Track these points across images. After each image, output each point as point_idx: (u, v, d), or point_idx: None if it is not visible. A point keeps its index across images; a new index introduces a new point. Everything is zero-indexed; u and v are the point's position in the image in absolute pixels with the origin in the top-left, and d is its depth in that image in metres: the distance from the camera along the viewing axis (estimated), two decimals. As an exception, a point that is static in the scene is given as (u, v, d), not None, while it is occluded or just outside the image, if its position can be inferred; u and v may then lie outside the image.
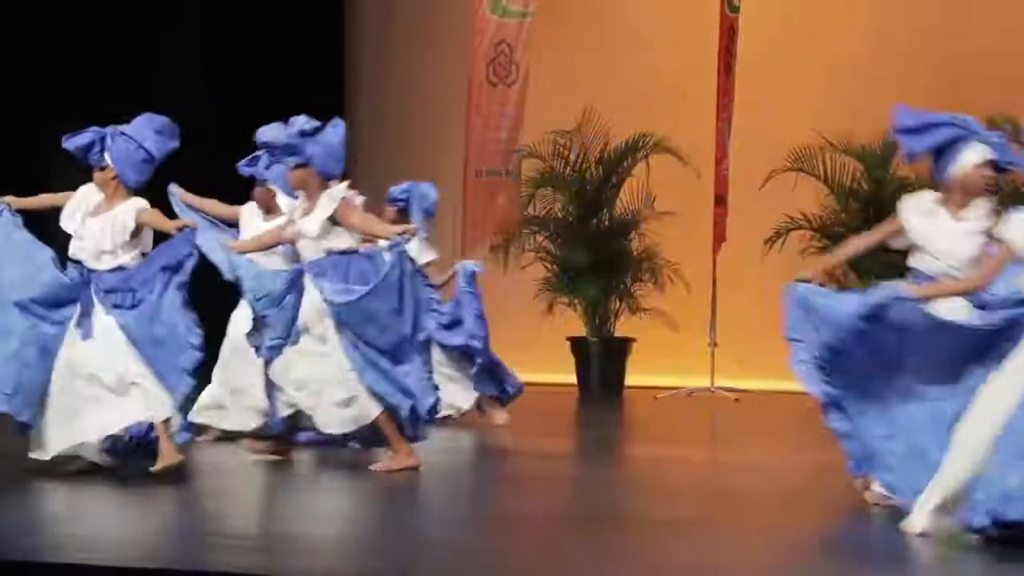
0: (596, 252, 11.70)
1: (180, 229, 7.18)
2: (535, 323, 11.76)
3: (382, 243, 7.55)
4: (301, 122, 7.48)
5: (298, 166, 7.47)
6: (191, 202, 8.30)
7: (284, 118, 7.51)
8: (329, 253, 7.41)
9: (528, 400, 9.75)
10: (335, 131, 7.51)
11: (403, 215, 9.17)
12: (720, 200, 11.69)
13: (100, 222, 7.20)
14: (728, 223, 11.70)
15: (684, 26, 12.39)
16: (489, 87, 12.09)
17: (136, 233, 7.18)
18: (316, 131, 7.46)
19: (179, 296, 7.14)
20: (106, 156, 7.23)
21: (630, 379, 11.83)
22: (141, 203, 7.22)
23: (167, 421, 7.12)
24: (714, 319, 11.69)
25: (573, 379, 11.89)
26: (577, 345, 11.90)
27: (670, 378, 11.77)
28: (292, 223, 7.54)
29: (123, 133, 7.24)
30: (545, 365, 11.75)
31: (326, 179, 7.48)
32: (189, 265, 7.15)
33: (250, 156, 8.23)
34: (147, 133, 7.25)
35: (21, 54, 10.93)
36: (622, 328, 11.93)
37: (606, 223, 11.95)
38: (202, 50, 12.03)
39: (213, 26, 11.97)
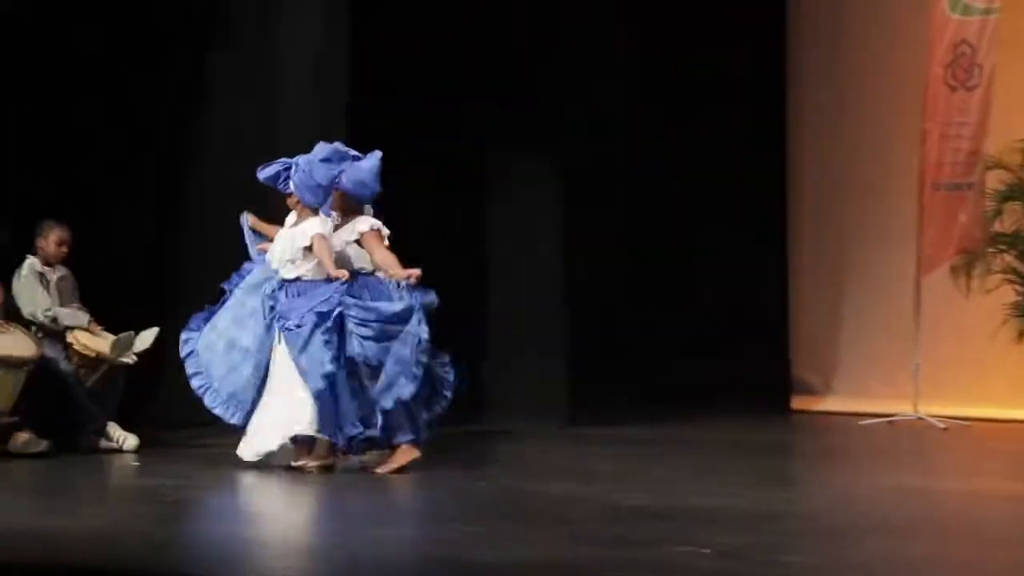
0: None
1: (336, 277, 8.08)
2: (1002, 352, 10.63)
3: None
4: (340, 147, 8.28)
5: (333, 188, 8.26)
6: (261, 229, 8.64)
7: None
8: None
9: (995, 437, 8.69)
10: (370, 160, 8.25)
11: None
12: None
13: (287, 236, 8.23)
14: None
15: None
16: (948, 92, 10.97)
17: (311, 248, 8.15)
18: (354, 158, 8.25)
19: (321, 339, 7.99)
20: (290, 183, 8.22)
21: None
22: (316, 228, 8.15)
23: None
24: None
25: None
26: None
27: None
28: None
29: (299, 163, 8.21)
30: (1018, 398, 10.66)
31: (358, 202, 8.31)
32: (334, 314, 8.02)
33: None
34: (315, 163, 8.19)
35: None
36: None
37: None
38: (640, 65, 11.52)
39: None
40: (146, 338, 8.95)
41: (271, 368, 8.13)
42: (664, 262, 11.70)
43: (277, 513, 7.46)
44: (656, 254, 11.68)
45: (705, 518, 6.84)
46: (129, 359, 8.92)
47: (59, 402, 8.64)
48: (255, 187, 8.46)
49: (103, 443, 8.73)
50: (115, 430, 8.78)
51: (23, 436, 8.40)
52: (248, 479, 7.94)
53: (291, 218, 8.31)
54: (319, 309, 8.01)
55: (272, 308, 8.18)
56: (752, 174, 11.68)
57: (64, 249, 9.05)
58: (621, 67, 11.36)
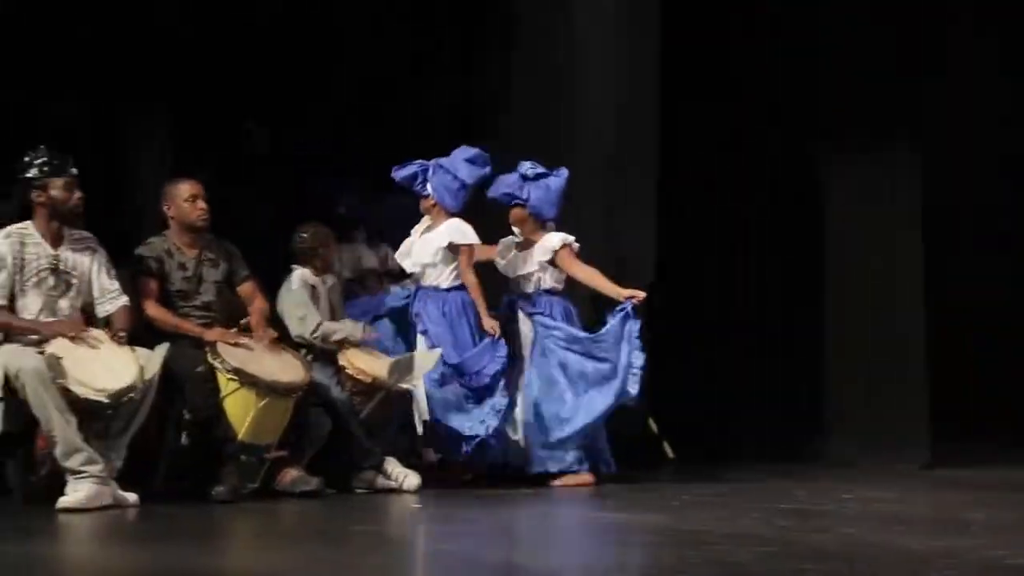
0: None
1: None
2: None
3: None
4: (527, 167, 8.18)
5: (516, 205, 8.19)
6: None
7: None
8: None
9: None
10: (557, 180, 8.18)
11: None
12: None
13: (423, 241, 8.13)
14: None
15: None
16: None
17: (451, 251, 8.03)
18: (538, 176, 8.15)
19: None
20: (428, 186, 8.04)
21: None
22: (454, 230, 8.03)
23: None
24: None
25: None
26: None
27: None
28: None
29: (440, 165, 8.06)
30: None
31: (541, 221, 8.20)
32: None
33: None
34: (460, 164, 8.03)
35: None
36: None
37: None
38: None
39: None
40: (428, 361, 7.85)
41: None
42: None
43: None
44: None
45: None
46: (409, 384, 7.83)
47: (331, 434, 7.59)
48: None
49: (380, 481, 7.62)
50: (394, 466, 7.66)
51: (292, 473, 7.36)
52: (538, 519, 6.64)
53: (424, 222, 8.15)
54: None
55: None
56: None
57: (331, 254, 8.11)
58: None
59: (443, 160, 8.06)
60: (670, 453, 9.17)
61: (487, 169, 8.11)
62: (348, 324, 7.92)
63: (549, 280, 8.21)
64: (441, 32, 9.35)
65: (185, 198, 7.50)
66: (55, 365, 6.67)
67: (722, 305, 9.43)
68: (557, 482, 7.98)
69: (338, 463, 7.57)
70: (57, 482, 6.64)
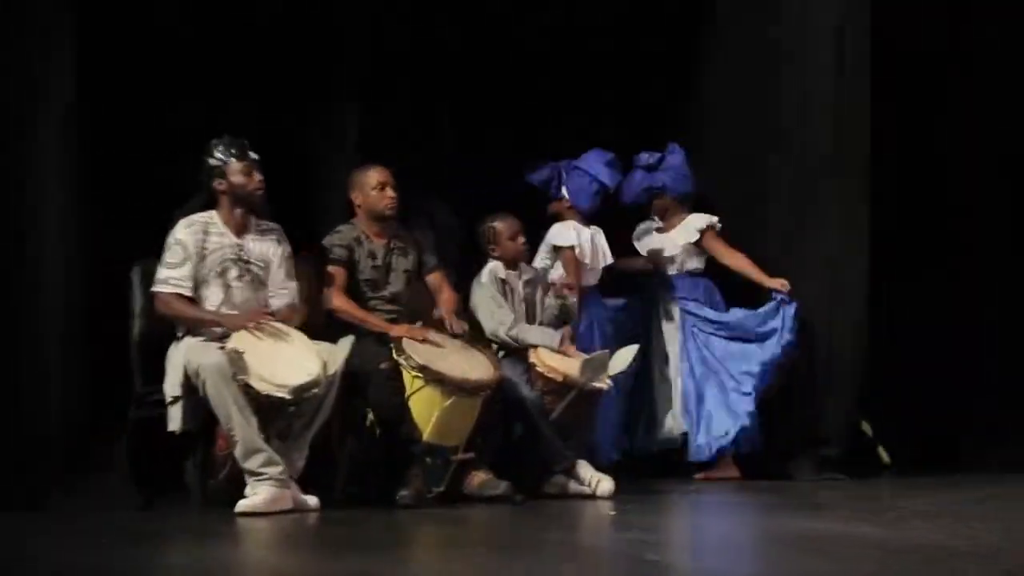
0: None
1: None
2: None
3: None
4: (644, 158, 8.28)
5: (656, 196, 8.33)
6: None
7: None
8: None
9: None
10: (675, 156, 8.26)
11: None
12: None
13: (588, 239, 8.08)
14: None
15: None
16: None
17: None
18: (659, 161, 8.25)
19: None
20: (563, 189, 8.08)
21: None
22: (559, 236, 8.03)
23: None
24: None
25: None
26: None
27: None
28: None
29: (577, 167, 8.09)
30: None
31: (681, 202, 8.28)
32: None
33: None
34: (600, 166, 8.07)
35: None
36: None
37: None
38: None
39: None
40: (623, 358, 7.44)
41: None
42: None
43: None
44: None
45: None
46: (603, 384, 7.40)
47: (520, 436, 7.24)
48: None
49: (572, 486, 7.21)
50: (586, 471, 7.24)
51: (480, 476, 7.01)
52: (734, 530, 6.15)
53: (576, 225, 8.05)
54: None
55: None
56: None
57: (521, 242, 7.71)
58: None
59: (579, 162, 8.09)
60: (886, 458, 8.64)
61: (620, 176, 8.21)
62: (545, 333, 7.55)
63: (692, 262, 8.27)
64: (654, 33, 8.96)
65: (373, 186, 7.28)
66: (236, 361, 6.42)
67: (941, 304, 8.83)
68: (700, 475, 8.03)
69: (528, 466, 7.21)
70: (236, 484, 6.42)
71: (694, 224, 8.25)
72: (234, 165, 6.78)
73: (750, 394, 7.95)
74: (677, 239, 8.31)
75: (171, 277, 6.71)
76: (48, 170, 6.95)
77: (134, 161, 7.53)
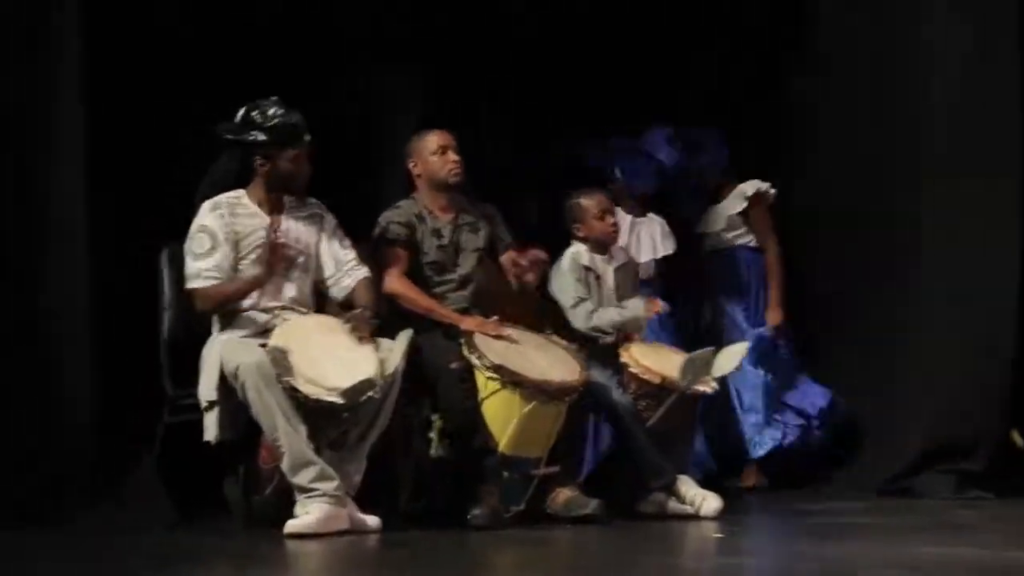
0: None
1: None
2: None
3: None
4: (666, 151, 7.83)
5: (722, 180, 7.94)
6: None
7: None
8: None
9: None
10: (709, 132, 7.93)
11: None
12: None
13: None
14: None
15: None
16: None
17: None
18: (688, 142, 7.87)
19: None
20: (616, 170, 7.68)
21: None
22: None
23: None
24: None
25: None
26: None
27: None
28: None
29: (634, 147, 7.78)
30: None
31: (723, 175, 7.90)
32: None
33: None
34: (660, 145, 7.78)
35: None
36: None
37: None
38: None
39: None
40: (731, 357, 6.71)
41: None
42: None
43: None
44: None
45: None
46: (706, 387, 6.65)
47: (612, 447, 6.62)
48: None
49: (672, 505, 6.45)
50: (689, 488, 6.48)
51: (566, 493, 6.28)
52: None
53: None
54: None
55: None
56: None
57: (611, 222, 7.01)
58: None
59: (635, 141, 7.75)
60: (1020, 443, 7.77)
61: (680, 155, 7.86)
62: (632, 303, 6.90)
63: (744, 236, 7.86)
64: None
65: (433, 151, 6.58)
66: (280, 360, 5.72)
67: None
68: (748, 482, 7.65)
69: (621, 482, 6.53)
70: (284, 502, 5.81)
71: (742, 191, 7.85)
72: (286, 152, 6.07)
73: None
74: (726, 210, 7.86)
75: (203, 270, 6.03)
76: (62, 160, 6.36)
77: (148, 146, 6.97)
